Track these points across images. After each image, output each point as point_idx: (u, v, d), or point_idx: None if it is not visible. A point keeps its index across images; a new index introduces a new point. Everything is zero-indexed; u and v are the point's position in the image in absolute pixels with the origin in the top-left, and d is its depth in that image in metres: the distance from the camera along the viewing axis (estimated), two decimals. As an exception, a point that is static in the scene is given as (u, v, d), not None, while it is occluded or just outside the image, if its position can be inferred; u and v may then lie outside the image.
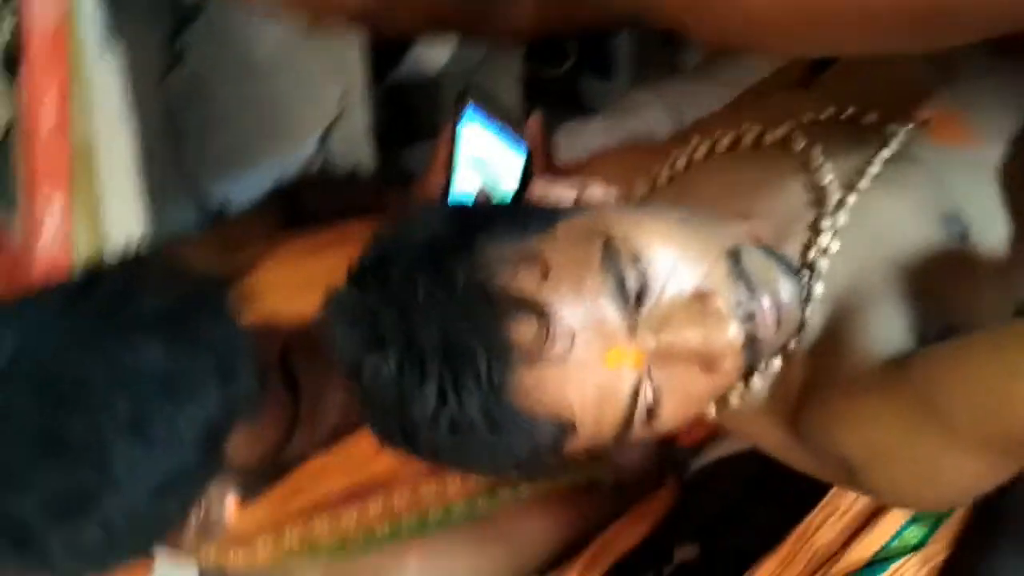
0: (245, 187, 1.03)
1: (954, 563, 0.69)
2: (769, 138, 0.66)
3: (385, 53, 1.13)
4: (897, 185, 0.63)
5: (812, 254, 0.60)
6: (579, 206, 0.57)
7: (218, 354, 0.56)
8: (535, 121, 0.73)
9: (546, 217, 0.54)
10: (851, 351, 0.57)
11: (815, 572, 0.69)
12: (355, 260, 0.54)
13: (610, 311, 0.50)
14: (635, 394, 0.51)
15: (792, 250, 0.61)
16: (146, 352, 0.54)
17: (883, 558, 0.69)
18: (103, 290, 0.58)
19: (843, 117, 0.67)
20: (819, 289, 0.60)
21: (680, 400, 0.54)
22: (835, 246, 0.60)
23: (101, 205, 0.84)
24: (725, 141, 0.67)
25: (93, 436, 0.51)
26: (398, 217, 0.56)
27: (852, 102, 0.67)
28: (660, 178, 0.67)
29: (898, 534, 0.69)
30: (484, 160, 0.73)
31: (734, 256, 0.54)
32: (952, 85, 0.69)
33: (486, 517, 0.75)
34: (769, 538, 0.71)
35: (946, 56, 0.67)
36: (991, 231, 0.64)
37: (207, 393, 0.55)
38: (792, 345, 0.59)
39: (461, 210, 0.56)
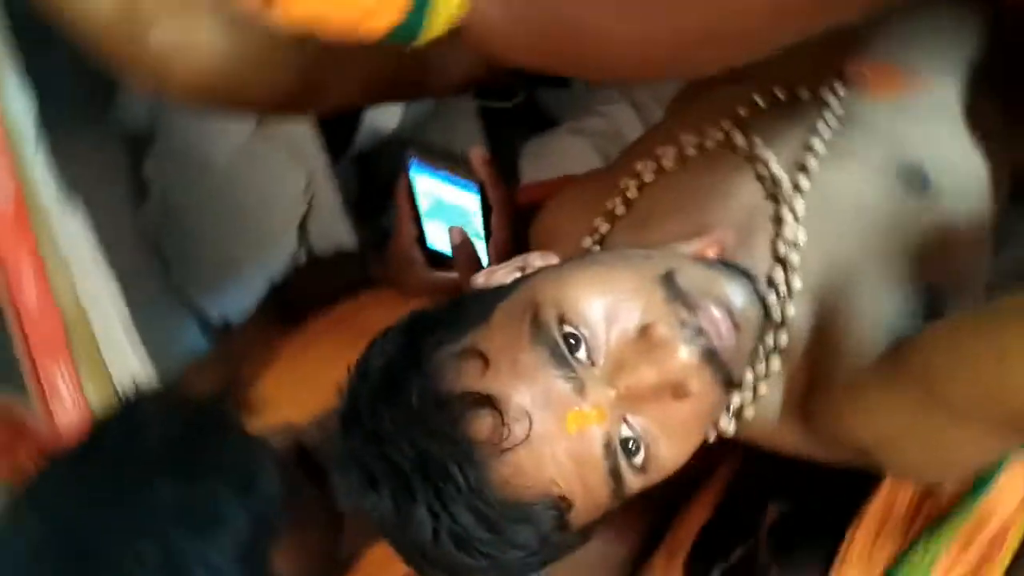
0: (240, 298, 1.04)
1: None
2: (710, 142, 0.65)
3: (340, 127, 1.13)
4: (847, 154, 0.62)
5: (781, 248, 0.59)
6: (518, 282, 0.57)
7: (232, 471, 0.56)
8: (477, 157, 0.73)
9: (484, 305, 0.54)
10: (846, 340, 0.57)
11: (922, 502, 0.66)
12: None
13: (553, 380, 0.50)
14: (608, 447, 0.50)
15: (761, 250, 0.60)
16: (161, 491, 0.54)
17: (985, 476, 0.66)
18: (109, 440, 0.58)
19: (776, 101, 0.66)
20: (797, 283, 0.59)
21: (672, 435, 0.53)
22: (802, 236, 0.59)
23: (105, 360, 0.84)
24: (669, 158, 0.66)
25: None
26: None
27: (780, 83, 0.66)
28: (616, 210, 0.66)
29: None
30: (445, 205, 0.73)
31: (667, 279, 0.53)
32: (881, 33, 0.67)
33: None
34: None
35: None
36: (957, 172, 0.63)
37: (232, 514, 0.55)
38: (784, 343, 0.59)
39: (409, 323, 0.56)
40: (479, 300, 0.56)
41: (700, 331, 0.52)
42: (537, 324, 0.51)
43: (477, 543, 0.50)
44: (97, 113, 1.07)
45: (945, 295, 0.59)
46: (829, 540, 0.66)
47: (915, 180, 0.61)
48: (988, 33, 0.70)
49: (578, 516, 0.52)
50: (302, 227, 1.07)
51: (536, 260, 0.60)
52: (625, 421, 0.51)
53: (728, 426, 0.60)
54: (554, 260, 0.60)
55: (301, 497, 0.62)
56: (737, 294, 0.55)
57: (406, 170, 0.74)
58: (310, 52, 0.69)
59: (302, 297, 0.90)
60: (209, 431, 0.58)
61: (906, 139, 0.63)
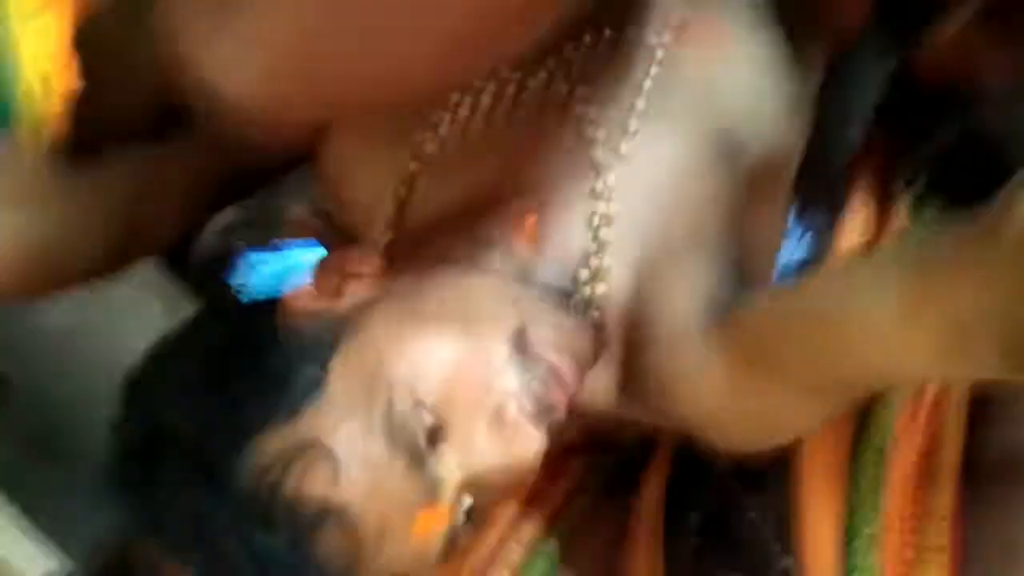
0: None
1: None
2: (532, 82, 0.59)
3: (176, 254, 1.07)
4: (667, 117, 0.60)
5: (596, 222, 0.57)
6: (344, 322, 0.51)
7: None
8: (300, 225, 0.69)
9: (314, 361, 0.48)
10: (665, 315, 0.56)
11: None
12: None
13: (411, 485, 0.47)
14: (450, 535, 0.49)
15: (578, 228, 0.58)
16: None
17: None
18: None
19: (602, 43, 0.61)
20: (608, 261, 0.57)
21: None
22: (615, 208, 0.57)
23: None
24: (488, 93, 0.59)
25: None
26: None
27: (609, 23, 0.61)
28: (426, 146, 0.59)
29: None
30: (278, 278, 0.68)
31: (518, 338, 0.51)
32: None
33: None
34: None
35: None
36: (771, 134, 0.63)
37: None
38: (602, 319, 0.57)
39: (214, 377, 0.49)
40: (304, 352, 0.49)
41: (551, 409, 0.51)
42: (392, 419, 0.47)
43: None
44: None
45: (752, 258, 0.60)
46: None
47: (729, 147, 0.60)
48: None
49: None
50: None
51: (356, 287, 0.54)
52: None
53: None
54: (372, 266, 0.55)
55: None
56: (567, 325, 0.53)
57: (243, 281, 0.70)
58: (119, 201, 0.60)
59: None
60: None
61: (722, 99, 0.61)
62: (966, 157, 0.70)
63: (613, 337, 0.58)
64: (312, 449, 0.46)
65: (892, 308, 0.41)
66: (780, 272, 0.71)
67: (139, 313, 1.00)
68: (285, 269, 0.70)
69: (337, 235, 0.66)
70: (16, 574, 0.81)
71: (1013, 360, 0.35)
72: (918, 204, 0.71)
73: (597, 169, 0.58)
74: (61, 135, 0.53)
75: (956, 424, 0.63)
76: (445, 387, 0.48)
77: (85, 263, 0.61)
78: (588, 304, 0.58)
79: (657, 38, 0.61)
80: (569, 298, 0.57)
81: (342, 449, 0.46)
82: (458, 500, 0.49)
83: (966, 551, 0.60)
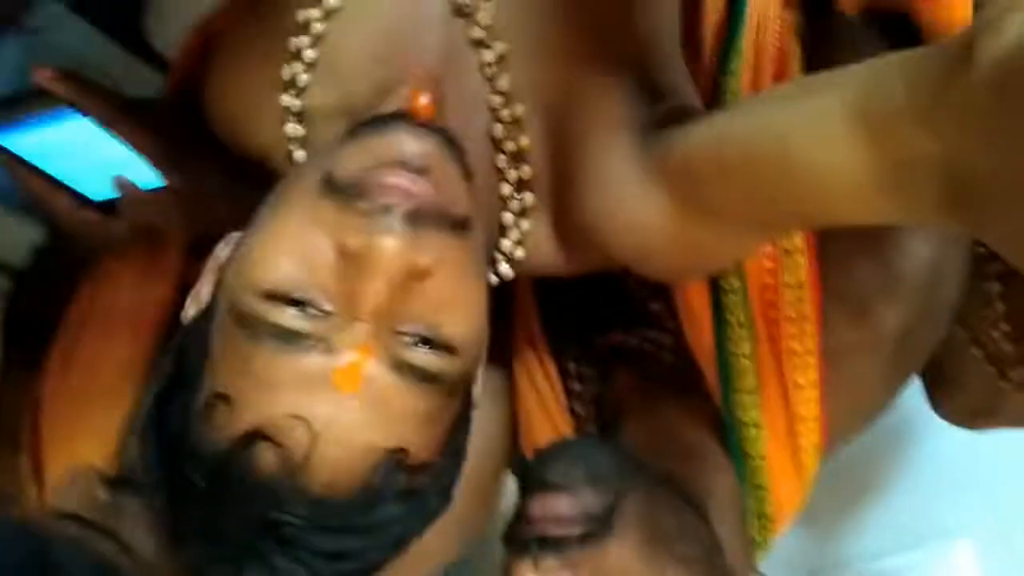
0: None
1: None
2: None
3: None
4: None
5: (491, 72, 0.54)
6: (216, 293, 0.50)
7: None
8: (45, 79, 0.59)
9: (200, 337, 0.48)
10: (590, 154, 0.54)
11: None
12: None
13: (296, 362, 0.44)
14: (397, 365, 0.45)
15: (472, 84, 0.55)
16: None
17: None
18: None
19: None
20: (519, 109, 0.55)
21: (450, 309, 0.47)
22: (501, 48, 0.54)
23: None
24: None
25: None
26: None
27: None
28: (304, 52, 0.56)
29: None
30: (69, 150, 0.60)
31: (327, 185, 0.47)
32: None
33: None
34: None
35: None
36: None
37: None
38: (528, 174, 0.56)
39: (152, 403, 0.49)
40: (195, 335, 0.49)
41: (387, 208, 0.45)
42: (245, 321, 0.45)
43: (354, 553, 0.45)
44: None
45: (655, 67, 0.56)
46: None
47: None
48: None
49: (422, 450, 0.47)
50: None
51: (222, 251, 0.53)
52: (397, 332, 0.46)
53: (507, 271, 0.58)
54: (235, 235, 0.53)
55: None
56: (403, 142, 0.48)
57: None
58: None
59: (31, 321, 0.76)
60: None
61: None
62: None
63: (543, 187, 0.57)
64: (208, 401, 0.46)
65: (832, 147, 0.38)
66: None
67: None
68: (48, 148, 0.60)
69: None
70: None
71: (952, 212, 0.34)
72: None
73: (467, 13, 0.55)
74: None
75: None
76: (281, 268, 0.46)
77: None
78: (516, 160, 0.56)
79: None
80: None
81: (228, 382, 0.45)
82: (374, 339, 0.46)
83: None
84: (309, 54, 0.56)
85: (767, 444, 0.67)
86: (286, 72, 0.56)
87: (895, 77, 0.35)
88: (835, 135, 0.38)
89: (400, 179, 0.46)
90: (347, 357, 0.44)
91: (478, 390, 0.54)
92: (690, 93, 0.58)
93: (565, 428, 0.76)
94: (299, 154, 0.58)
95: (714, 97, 0.69)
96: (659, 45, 0.58)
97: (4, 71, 0.79)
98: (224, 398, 0.44)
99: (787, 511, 0.71)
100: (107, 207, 0.65)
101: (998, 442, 0.96)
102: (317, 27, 0.56)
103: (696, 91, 0.66)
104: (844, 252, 0.66)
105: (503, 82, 0.55)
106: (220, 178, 0.67)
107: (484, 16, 0.54)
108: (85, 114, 0.60)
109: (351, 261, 0.45)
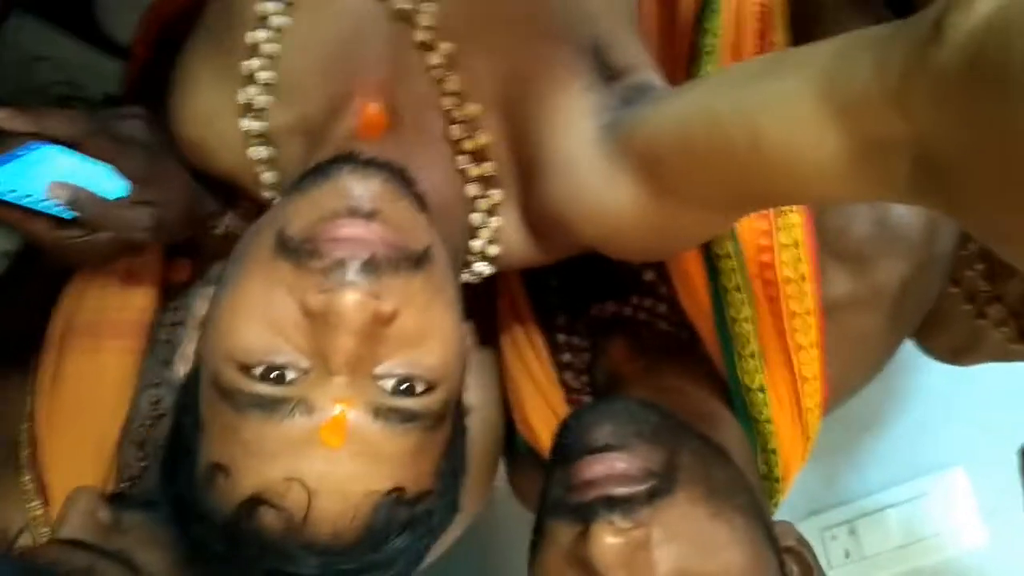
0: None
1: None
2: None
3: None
4: None
5: (437, 75, 0.53)
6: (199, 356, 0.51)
7: None
8: (4, 120, 0.58)
9: (190, 402, 0.49)
10: (550, 140, 0.52)
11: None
12: None
13: (283, 428, 0.45)
14: (379, 412, 0.46)
15: (419, 89, 0.54)
16: None
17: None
18: None
19: None
20: (473, 108, 0.54)
21: (424, 343, 0.48)
22: (445, 47, 0.53)
23: None
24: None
25: None
26: None
27: None
28: (259, 74, 0.56)
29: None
30: (40, 178, 0.58)
31: (280, 245, 0.47)
32: None
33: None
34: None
35: None
36: None
37: None
38: (489, 170, 0.55)
39: (162, 472, 0.51)
40: (187, 398, 0.50)
41: (341, 263, 0.45)
42: (229, 394, 0.46)
43: None
44: None
45: (608, 46, 0.55)
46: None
47: None
48: None
49: (418, 482, 0.47)
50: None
51: (201, 307, 0.53)
52: (374, 376, 0.46)
53: (484, 269, 0.58)
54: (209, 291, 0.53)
55: None
56: (347, 186, 0.47)
57: None
58: None
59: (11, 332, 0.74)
60: None
61: None
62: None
63: (509, 181, 0.56)
64: (207, 472, 0.47)
65: (801, 128, 0.37)
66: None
67: None
68: (17, 180, 0.59)
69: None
70: None
71: (923, 192, 0.33)
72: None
73: (408, 16, 0.54)
74: None
75: None
76: (255, 336, 0.47)
77: None
78: (477, 158, 0.55)
79: None
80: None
81: (223, 453, 0.47)
82: (352, 390, 0.46)
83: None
84: (263, 76, 0.55)
85: (774, 408, 0.67)
86: (242, 96, 0.56)
87: (862, 57, 0.34)
88: (803, 116, 0.37)
89: (351, 228, 0.46)
90: (329, 413, 0.45)
91: (469, 395, 0.55)
92: (650, 68, 0.56)
93: (556, 400, 0.75)
94: (267, 176, 0.59)
95: (691, 57, 0.67)
96: (612, 22, 0.56)
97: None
98: (221, 468, 0.45)
99: (793, 472, 0.71)
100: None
101: (986, 372, 0.97)
102: (267, 48, 0.55)
103: (667, 56, 0.65)
104: (840, 208, 0.65)
105: (452, 83, 0.54)
106: (192, 182, 0.66)
107: (426, 18, 0.53)
108: (51, 142, 0.59)
109: (316, 319, 0.45)
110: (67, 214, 0.58)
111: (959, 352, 0.90)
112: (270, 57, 0.55)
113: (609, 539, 0.51)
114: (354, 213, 0.46)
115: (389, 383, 0.47)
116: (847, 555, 1.31)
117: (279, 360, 0.46)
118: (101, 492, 0.63)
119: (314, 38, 0.55)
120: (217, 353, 0.47)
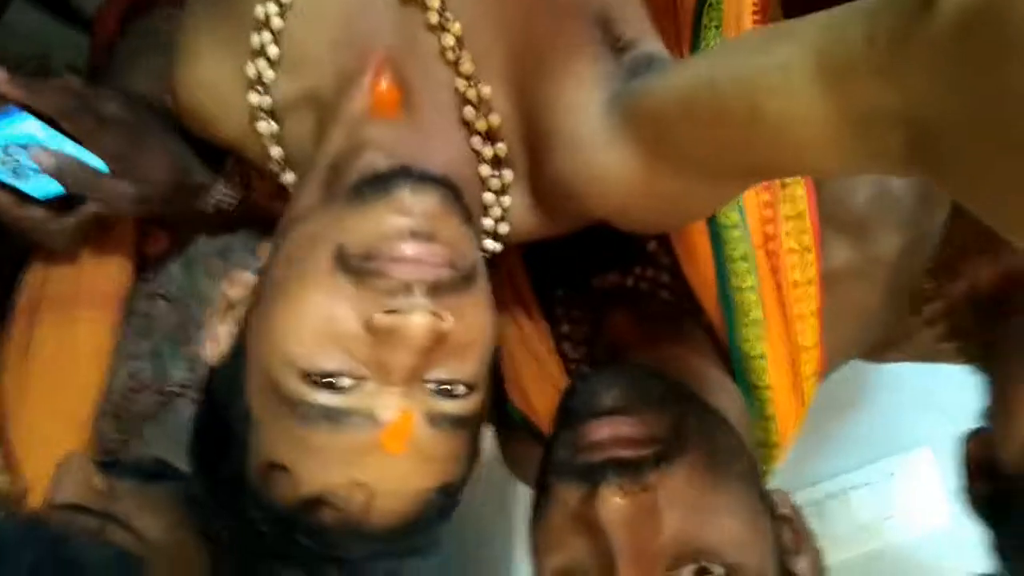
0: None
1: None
2: None
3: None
4: None
5: (451, 56, 0.54)
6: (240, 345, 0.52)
7: None
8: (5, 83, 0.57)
9: (234, 395, 0.50)
10: (559, 116, 0.53)
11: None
12: None
13: (347, 436, 0.47)
14: (434, 417, 0.49)
15: (431, 64, 0.54)
16: None
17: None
18: None
19: None
20: (486, 90, 0.54)
21: (469, 351, 0.50)
22: (458, 28, 0.54)
23: None
24: None
25: None
26: None
27: None
28: (267, 48, 0.56)
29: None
30: (10, 151, 0.57)
31: (340, 261, 0.48)
32: None
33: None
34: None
35: None
36: None
37: None
38: (503, 151, 0.56)
39: (196, 458, 0.53)
40: (227, 391, 0.51)
41: (408, 287, 0.47)
42: (292, 401, 0.47)
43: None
44: None
45: (615, 18, 0.55)
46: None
47: None
48: None
49: (460, 476, 0.51)
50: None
51: (231, 290, 0.55)
52: (423, 382, 0.49)
53: (492, 246, 0.59)
54: (248, 280, 0.55)
55: None
56: (411, 204, 0.49)
57: None
58: None
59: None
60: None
61: None
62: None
63: (519, 159, 0.57)
64: (265, 469, 0.49)
65: (795, 99, 0.37)
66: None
67: None
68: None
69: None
70: None
71: (916, 163, 0.33)
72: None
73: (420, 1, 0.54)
74: None
75: None
76: (318, 344, 0.48)
77: None
78: (489, 138, 0.56)
79: None
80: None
81: (284, 455, 0.49)
82: (409, 399, 0.49)
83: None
84: (272, 50, 0.56)
85: (772, 375, 0.67)
86: (250, 70, 0.56)
87: (853, 28, 0.34)
88: (797, 87, 0.37)
89: (414, 250, 0.47)
90: (391, 421, 0.48)
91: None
92: (654, 38, 0.57)
93: (554, 370, 0.75)
94: (275, 151, 0.59)
95: (694, 30, 0.67)
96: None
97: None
98: (282, 467, 0.48)
99: (788, 440, 0.72)
100: (55, 204, 0.63)
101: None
102: (276, 22, 0.55)
103: (669, 27, 0.65)
104: (839, 180, 0.66)
105: (466, 64, 0.55)
106: (178, 158, 0.64)
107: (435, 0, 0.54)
108: (32, 113, 0.58)
109: (379, 336, 0.47)
110: (39, 192, 0.56)
111: (887, 347, 0.89)
112: (279, 31, 0.55)
113: (618, 500, 0.51)
114: (416, 235, 0.48)
115: (434, 386, 0.49)
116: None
117: (339, 368, 0.48)
118: (94, 459, 0.62)
119: (323, 12, 0.55)
120: (274, 357, 0.48)
